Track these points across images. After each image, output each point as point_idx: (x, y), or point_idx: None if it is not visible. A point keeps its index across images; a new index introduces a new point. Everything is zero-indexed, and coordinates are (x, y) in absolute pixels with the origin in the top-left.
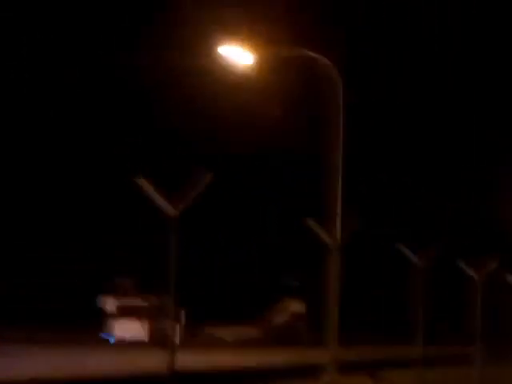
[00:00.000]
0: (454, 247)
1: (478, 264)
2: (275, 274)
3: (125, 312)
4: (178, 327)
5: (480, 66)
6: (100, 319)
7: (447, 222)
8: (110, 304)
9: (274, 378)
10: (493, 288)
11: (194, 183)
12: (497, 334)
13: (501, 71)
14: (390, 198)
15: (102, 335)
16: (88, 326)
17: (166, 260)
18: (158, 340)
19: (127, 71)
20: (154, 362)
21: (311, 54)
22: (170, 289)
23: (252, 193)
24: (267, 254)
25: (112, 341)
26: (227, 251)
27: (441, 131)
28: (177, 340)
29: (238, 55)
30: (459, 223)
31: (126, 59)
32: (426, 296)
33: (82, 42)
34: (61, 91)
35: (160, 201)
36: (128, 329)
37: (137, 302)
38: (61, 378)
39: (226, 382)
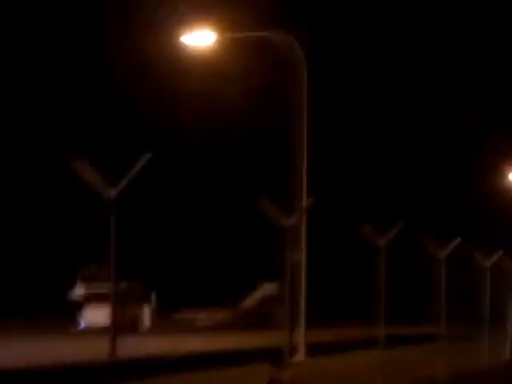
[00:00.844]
0: (416, 225)
1: (441, 242)
2: (249, 259)
3: (94, 299)
4: (147, 311)
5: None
6: (72, 307)
7: (409, 201)
8: (80, 291)
9: (237, 361)
10: (456, 265)
11: (133, 164)
12: (461, 312)
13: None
14: (351, 178)
15: (76, 323)
16: (61, 315)
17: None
18: (128, 325)
19: (84, 54)
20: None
21: (276, 36)
22: (109, 262)
23: (218, 176)
24: (241, 238)
25: (82, 327)
26: (203, 236)
27: (404, 112)
28: (146, 324)
29: (200, 37)
30: (421, 202)
31: (84, 41)
32: (389, 275)
33: (40, 26)
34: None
35: (97, 183)
36: (97, 315)
37: (106, 288)
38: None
39: (183, 367)
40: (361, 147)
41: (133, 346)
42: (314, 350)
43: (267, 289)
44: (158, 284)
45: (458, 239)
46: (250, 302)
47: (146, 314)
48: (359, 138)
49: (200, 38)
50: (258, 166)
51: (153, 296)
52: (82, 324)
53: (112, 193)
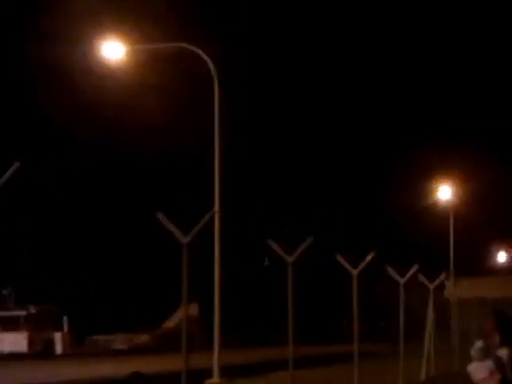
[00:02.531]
0: (328, 242)
1: (355, 258)
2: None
3: (2, 324)
4: (60, 335)
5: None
6: None
7: (320, 216)
8: None
9: None
10: (371, 281)
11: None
12: (375, 330)
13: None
14: (263, 194)
15: None
16: None
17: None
18: (39, 350)
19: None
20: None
21: (189, 48)
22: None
23: (131, 191)
24: (162, 262)
25: None
26: (122, 257)
27: (335, 130)
28: (59, 349)
29: (112, 49)
30: (334, 216)
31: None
32: (301, 295)
33: None
34: None
35: None
36: (6, 341)
37: (14, 312)
38: None
39: None
40: (273, 163)
41: (42, 373)
42: (229, 371)
43: (189, 309)
44: (73, 307)
45: (372, 254)
46: (169, 324)
47: (59, 338)
48: (272, 152)
49: (111, 50)
50: (169, 180)
51: (65, 319)
52: None
53: None
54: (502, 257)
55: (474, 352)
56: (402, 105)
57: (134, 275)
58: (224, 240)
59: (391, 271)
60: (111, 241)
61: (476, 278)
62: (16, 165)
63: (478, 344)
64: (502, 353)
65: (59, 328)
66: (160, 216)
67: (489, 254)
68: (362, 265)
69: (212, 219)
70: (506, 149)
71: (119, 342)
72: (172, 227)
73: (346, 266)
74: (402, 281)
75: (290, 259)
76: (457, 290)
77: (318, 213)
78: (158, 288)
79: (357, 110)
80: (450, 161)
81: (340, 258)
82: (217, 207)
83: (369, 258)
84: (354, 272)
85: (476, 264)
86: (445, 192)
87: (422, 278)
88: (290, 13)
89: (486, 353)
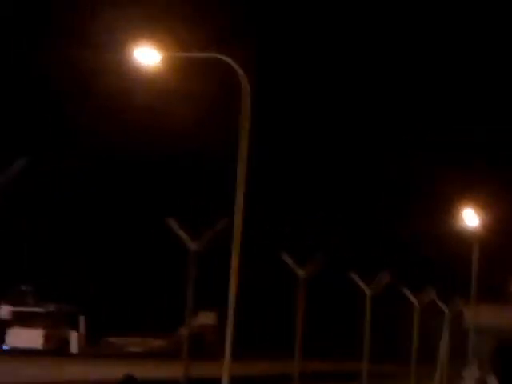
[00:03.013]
0: (345, 259)
1: (370, 277)
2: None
3: (20, 319)
4: (75, 335)
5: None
6: None
7: (334, 234)
8: (5, 312)
9: None
10: (387, 302)
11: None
12: (388, 350)
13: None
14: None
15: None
16: None
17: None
18: (54, 348)
19: (36, 69)
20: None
21: (221, 57)
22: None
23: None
24: (182, 267)
25: (6, 349)
26: (141, 262)
27: (345, 148)
28: (74, 348)
29: (147, 55)
30: (349, 234)
31: (34, 58)
32: (314, 310)
33: None
34: None
35: None
36: (22, 336)
37: (33, 309)
38: None
39: None
40: (298, 176)
41: (55, 372)
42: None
43: (205, 318)
44: (91, 308)
45: (387, 275)
46: (187, 330)
47: (74, 338)
48: (300, 166)
49: (145, 56)
50: (202, 187)
51: (81, 319)
52: (6, 345)
53: None
54: None
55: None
56: (430, 125)
57: (152, 278)
58: (242, 248)
59: (408, 293)
60: (132, 244)
61: (497, 305)
62: (21, 162)
63: (476, 373)
64: None
65: (75, 327)
66: (170, 222)
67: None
68: (379, 285)
69: (231, 227)
70: None
71: (134, 344)
72: (181, 233)
73: (361, 284)
74: (417, 303)
75: (301, 273)
76: (476, 317)
77: (335, 233)
78: (176, 292)
79: (379, 137)
80: (476, 185)
81: (355, 276)
82: (238, 216)
83: (385, 278)
84: (368, 291)
85: (499, 292)
86: (470, 217)
87: (439, 302)
88: (301, 19)
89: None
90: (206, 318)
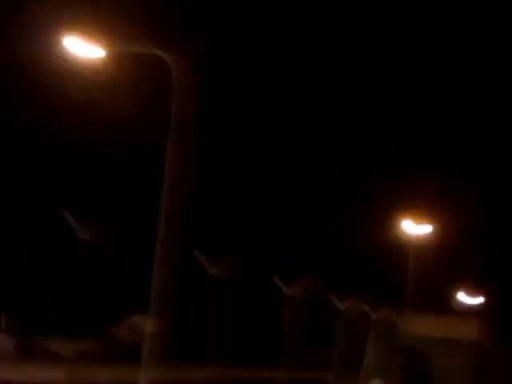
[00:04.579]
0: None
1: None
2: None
3: None
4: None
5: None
6: None
7: (316, 254)
8: None
9: None
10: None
11: None
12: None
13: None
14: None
15: None
16: None
17: None
18: None
19: None
20: None
21: (161, 52)
22: None
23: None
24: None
25: None
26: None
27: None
28: None
29: (85, 48)
30: (328, 255)
31: None
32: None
33: None
34: None
35: None
36: None
37: None
38: None
39: None
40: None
41: None
42: None
43: (146, 323)
44: (12, 308)
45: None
46: (125, 334)
47: None
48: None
49: (83, 50)
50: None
51: (3, 318)
52: None
53: None
54: (462, 297)
55: None
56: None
57: (78, 277)
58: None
59: (333, 298)
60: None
61: (427, 316)
62: None
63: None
64: None
65: None
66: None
67: (450, 294)
68: (295, 288)
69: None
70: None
71: (67, 348)
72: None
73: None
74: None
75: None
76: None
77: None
78: (102, 293)
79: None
80: (415, 194)
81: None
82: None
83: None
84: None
85: (435, 302)
86: (407, 227)
87: (365, 307)
88: (275, 13)
89: None
90: (148, 324)
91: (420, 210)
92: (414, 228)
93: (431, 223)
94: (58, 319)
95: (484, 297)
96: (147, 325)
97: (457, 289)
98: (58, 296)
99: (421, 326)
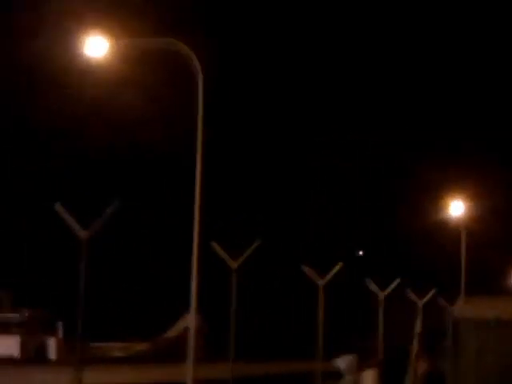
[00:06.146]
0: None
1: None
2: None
3: None
4: (53, 341)
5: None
6: None
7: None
8: None
9: None
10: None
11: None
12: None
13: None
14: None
15: None
16: None
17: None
18: (31, 356)
19: None
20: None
21: (172, 45)
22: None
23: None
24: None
25: None
26: (120, 266)
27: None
28: (52, 355)
29: (95, 45)
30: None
31: None
32: (327, 313)
33: None
34: None
35: None
36: None
37: (8, 315)
38: None
39: None
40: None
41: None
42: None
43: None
44: (71, 313)
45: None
46: (171, 333)
47: (52, 344)
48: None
49: (94, 46)
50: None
51: (59, 325)
52: None
53: None
54: None
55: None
56: (410, 115)
57: (135, 282)
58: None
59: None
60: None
61: (485, 297)
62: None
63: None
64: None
65: (53, 333)
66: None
67: (506, 274)
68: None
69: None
70: None
71: (117, 349)
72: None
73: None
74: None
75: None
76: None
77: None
78: (159, 296)
79: (359, 122)
80: (462, 176)
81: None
82: (197, 210)
83: (336, 268)
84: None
85: (491, 284)
86: (457, 208)
87: (410, 294)
88: (281, 12)
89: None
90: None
91: (468, 191)
92: (463, 209)
93: (480, 204)
94: (114, 325)
95: None
96: (189, 322)
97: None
98: (113, 302)
99: (474, 309)
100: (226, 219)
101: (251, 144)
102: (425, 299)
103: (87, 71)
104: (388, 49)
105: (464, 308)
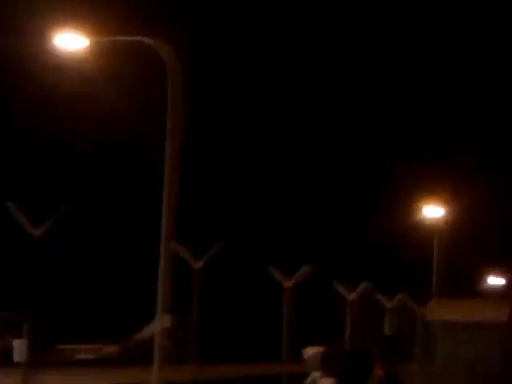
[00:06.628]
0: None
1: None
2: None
3: None
4: (18, 343)
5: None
6: None
7: (317, 243)
8: None
9: None
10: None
11: None
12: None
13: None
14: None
15: None
16: None
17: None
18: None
19: None
20: None
21: (149, 40)
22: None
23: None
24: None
25: None
26: (94, 266)
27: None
28: (17, 357)
29: (72, 40)
30: (330, 243)
31: None
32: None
33: None
34: None
35: None
36: None
37: None
38: None
39: None
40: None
41: None
42: None
43: (164, 321)
44: (38, 315)
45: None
46: (144, 334)
47: (17, 346)
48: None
49: (70, 42)
50: (131, 176)
51: (25, 327)
52: None
53: None
54: (492, 280)
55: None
56: (385, 118)
57: (104, 282)
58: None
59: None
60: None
61: (456, 300)
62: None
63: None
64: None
65: (19, 336)
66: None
67: (479, 277)
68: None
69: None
70: (496, 164)
71: (85, 352)
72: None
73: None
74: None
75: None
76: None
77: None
78: (129, 297)
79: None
80: (436, 179)
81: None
82: (165, 209)
83: (304, 270)
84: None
85: (464, 287)
86: (430, 211)
87: (379, 296)
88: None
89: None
90: (163, 322)
91: (442, 195)
92: (437, 212)
93: (454, 207)
94: (83, 326)
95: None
96: (162, 321)
97: (484, 272)
98: (82, 304)
99: (447, 312)
100: (192, 220)
101: (226, 145)
102: (393, 302)
103: (61, 67)
104: (364, 54)
105: (434, 310)
